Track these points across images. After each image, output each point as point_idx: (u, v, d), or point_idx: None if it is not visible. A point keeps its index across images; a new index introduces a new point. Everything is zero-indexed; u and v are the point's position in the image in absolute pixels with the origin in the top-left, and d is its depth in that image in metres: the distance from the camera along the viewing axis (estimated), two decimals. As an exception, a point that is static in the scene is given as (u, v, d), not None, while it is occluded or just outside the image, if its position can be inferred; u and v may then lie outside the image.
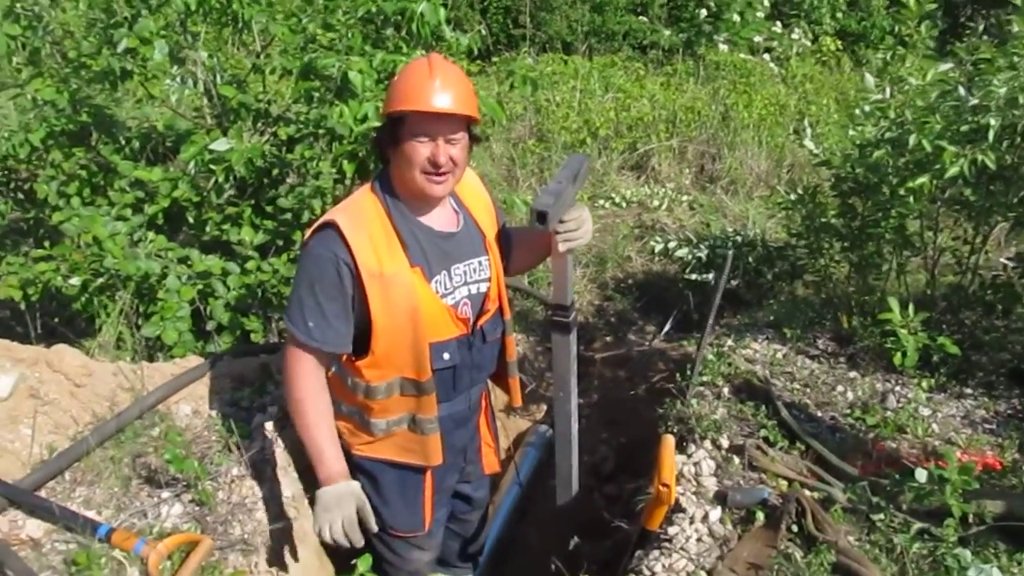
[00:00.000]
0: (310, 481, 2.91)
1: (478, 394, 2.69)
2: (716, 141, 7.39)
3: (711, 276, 5.08)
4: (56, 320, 3.98)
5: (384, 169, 2.37)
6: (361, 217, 2.26)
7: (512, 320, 2.68)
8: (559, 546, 3.40)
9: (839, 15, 10.91)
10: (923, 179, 3.10)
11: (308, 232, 2.30)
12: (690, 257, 5.23)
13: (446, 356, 2.40)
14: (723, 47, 9.46)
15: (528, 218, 2.34)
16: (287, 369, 2.34)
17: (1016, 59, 3.08)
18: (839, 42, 10.24)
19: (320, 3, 3.81)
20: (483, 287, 2.48)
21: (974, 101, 3.05)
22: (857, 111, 3.64)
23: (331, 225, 2.22)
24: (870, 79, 3.41)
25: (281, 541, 2.63)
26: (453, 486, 2.79)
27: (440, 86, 2.14)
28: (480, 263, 2.47)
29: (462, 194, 2.51)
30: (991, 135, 2.97)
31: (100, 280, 3.57)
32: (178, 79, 3.89)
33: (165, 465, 2.63)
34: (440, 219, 2.39)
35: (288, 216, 3.92)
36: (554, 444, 4.21)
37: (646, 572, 2.50)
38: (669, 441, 2.51)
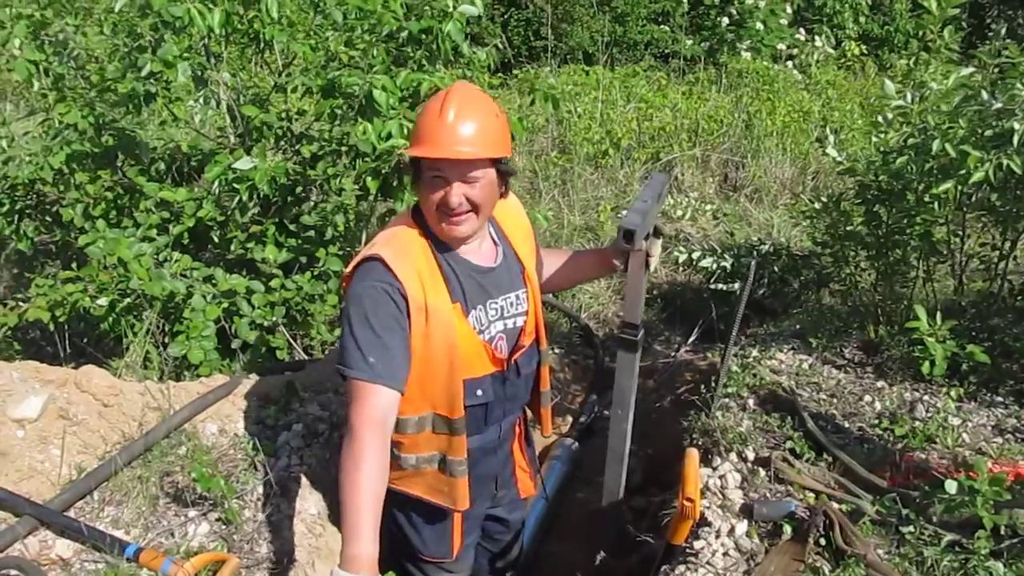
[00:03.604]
0: (336, 498, 2.94)
1: (510, 423, 2.62)
2: (739, 149, 7.36)
3: (736, 286, 5.05)
4: (85, 340, 4.04)
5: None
6: (406, 251, 2.18)
7: (548, 349, 2.63)
8: (586, 560, 3.39)
9: (862, 19, 10.84)
10: (948, 185, 3.06)
11: (348, 269, 2.22)
12: (715, 267, 5.19)
13: (479, 393, 2.34)
14: (746, 55, 9.43)
15: (615, 237, 2.36)
16: (350, 423, 2.07)
17: (1040, 62, 3.04)
18: (863, 46, 10.17)
19: (342, 22, 3.84)
20: (519, 321, 2.41)
21: (998, 105, 3.01)
22: (879, 118, 3.60)
23: (376, 258, 2.14)
24: (890, 85, 3.37)
25: (307, 559, 2.64)
26: (483, 513, 2.73)
27: (452, 126, 2.05)
28: (518, 297, 2.40)
29: (503, 222, 2.43)
30: (1016, 139, 2.92)
31: (127, 300, 3.62)
32: (201, 100, 3.94)
33: (192, 484, 2.65)
34: (479, 253, 2.32)
35: (312, 233, 3.95)
36: (579, 458, 4.22)
37: (672, 587, 2.49)
38: (693, 455, 2.49)
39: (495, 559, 3.04)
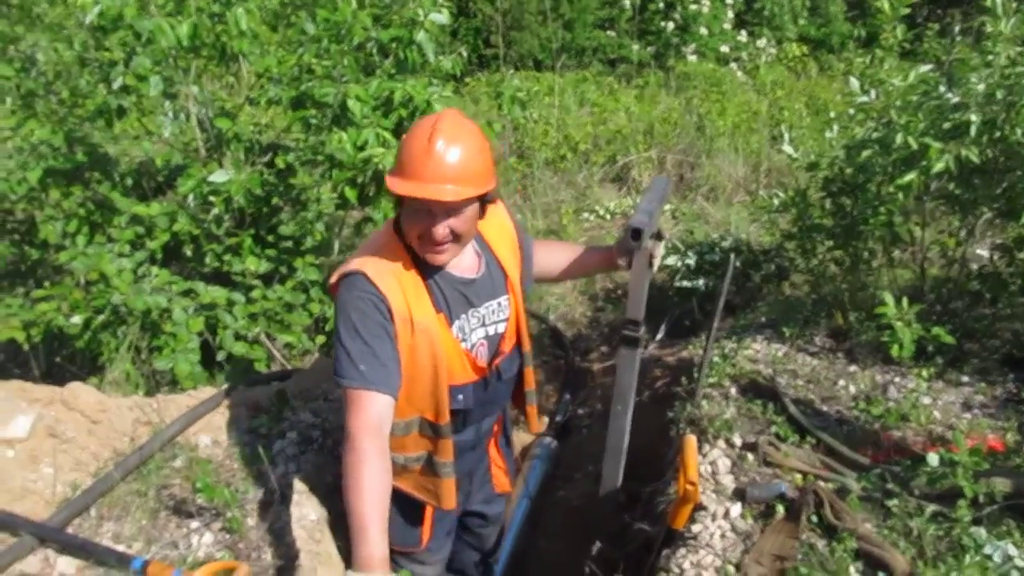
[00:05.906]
0: (333, 503, 2.95)
1: (489, 423, 2.68)
2: (693, 150, 7.50)
3: (701, 282, 5.17)
4: (57, 359, 3.98)
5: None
6: (388, 266, 2.20)
7: (532, 352, 2.68)
8: (573, 554, 3.45)
9: (801, 21, 11.12)
10: (911, 176, 3.20)
11: (332, 281, 2.25)
12: (679, 265, 5.30)
13: (460, 398, 2.40)
14: (692, 58, 9.62)
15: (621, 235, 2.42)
16: (347, 431, 2.09)
17: (991, 57, 3.20)
18: (804, 47, 10.45)
19: (312, 33, 3.85)
20: (500, 328, 2.46)
21: (955, 99, 3.17)
22: (833, 114, 3.74)
23: (358, 272, 2.17)
24: (855, 83, 3.51)
25: (311, 564, 2.65)
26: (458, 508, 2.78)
27: (440, 163, 2.03)
28: (500, 304, 2.44)
29: (486, 232, 2.44)
30: (973, 131, 3.08)
31: (102, 317, 3.58)
32: (170, 114, 3.92)
33: (192, 495, 2.65)
34: (461, 264, 2.34)
35: (290, 244, 3.96)
36: (559, 456, 4.29)
37: (675, 570, 2.56)
38: (692, 441, 2.57)
39: (478, 552, 3.12)
